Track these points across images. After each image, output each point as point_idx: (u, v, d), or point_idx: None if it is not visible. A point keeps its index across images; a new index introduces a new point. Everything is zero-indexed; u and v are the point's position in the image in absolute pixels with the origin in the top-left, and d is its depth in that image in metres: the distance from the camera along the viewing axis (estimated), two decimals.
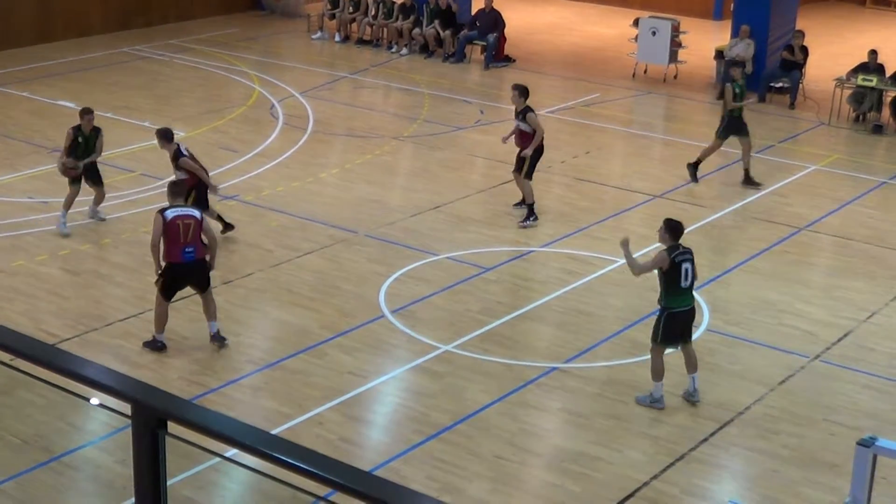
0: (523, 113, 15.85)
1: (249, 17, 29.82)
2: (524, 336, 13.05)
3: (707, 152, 18.10)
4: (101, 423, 10.83)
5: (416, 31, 26.19)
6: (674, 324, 11.34)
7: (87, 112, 15.32)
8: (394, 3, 26.69)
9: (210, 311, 12.42)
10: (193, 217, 12.10)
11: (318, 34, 27.68)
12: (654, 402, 11.48)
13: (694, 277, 11.43)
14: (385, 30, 26.89)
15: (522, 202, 16.34)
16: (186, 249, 12.01)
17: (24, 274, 14.21)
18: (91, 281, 14.15)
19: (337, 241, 15.44)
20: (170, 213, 12.07)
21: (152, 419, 3.60)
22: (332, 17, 27.59)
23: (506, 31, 25.78)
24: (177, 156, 14.45)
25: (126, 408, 3.58)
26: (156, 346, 12.30)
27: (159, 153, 17.74)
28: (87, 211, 15.77)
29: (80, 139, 15.17)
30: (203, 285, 12.35)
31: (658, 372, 11.44)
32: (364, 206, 16.73)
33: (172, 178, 14.25)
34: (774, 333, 13.23)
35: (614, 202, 17.26)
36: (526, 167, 15.97)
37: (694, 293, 11.59)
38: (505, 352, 12.59)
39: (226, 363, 12.22)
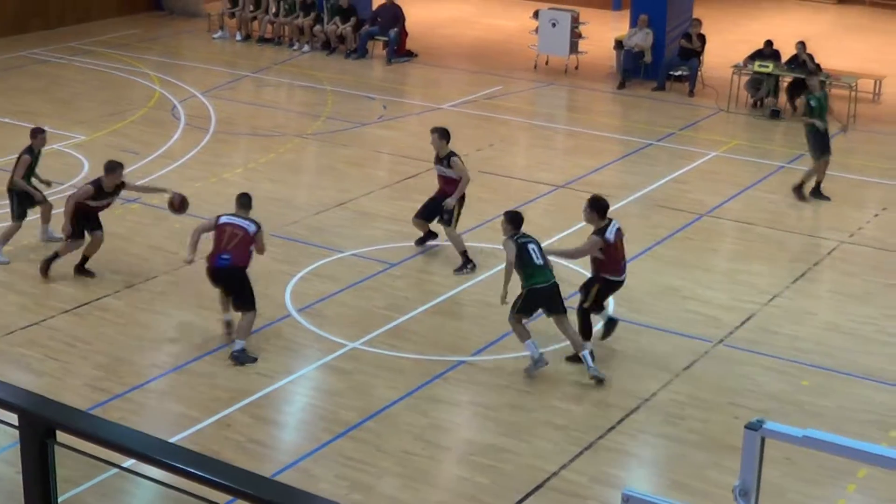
0: (447, 158, 14.53)
1: (149, 17, 29.42)
2: (431, 331, 13.07)
3: (808, 175, 17.25)
4: None
5: (318, 27, 26.07)
6: (535, 298, 11.84)
7: (39, 131, 14.71)
8: (294, 0, 26.53)
9: (237, 329, 12.31)
10: (243, 229, 12.19)
11: (219, 33, 27.43)
12: (537, 363, 11.82)
13: (544, 258, 11.94)
14: (286, 27, 26.74)
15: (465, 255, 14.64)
16: (222, 255, 12.15)
17: None
18: None
19: None
20: (224, 219, 12.31)
21: (41, 429, 3.55)
22: (233, 15, 27.35)
23: (407, 25, 25.78)
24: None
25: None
26: (244, 357, 12.19)
27: (61, 158, 17.46)
28: (39, 233, 15.07)
29: (34, 162, 14.61)
30: (234, 295, 12.30)
31: (522, 334, 11.85)
32: (268, 205, 16.59)
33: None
34: (678, 319, 13.41)
35: (518, 194, 17.35)
36: (455, 217, 14.54)
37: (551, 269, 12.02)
38: (412, 347, 12.60)
39: (130, 368, 12.06)
